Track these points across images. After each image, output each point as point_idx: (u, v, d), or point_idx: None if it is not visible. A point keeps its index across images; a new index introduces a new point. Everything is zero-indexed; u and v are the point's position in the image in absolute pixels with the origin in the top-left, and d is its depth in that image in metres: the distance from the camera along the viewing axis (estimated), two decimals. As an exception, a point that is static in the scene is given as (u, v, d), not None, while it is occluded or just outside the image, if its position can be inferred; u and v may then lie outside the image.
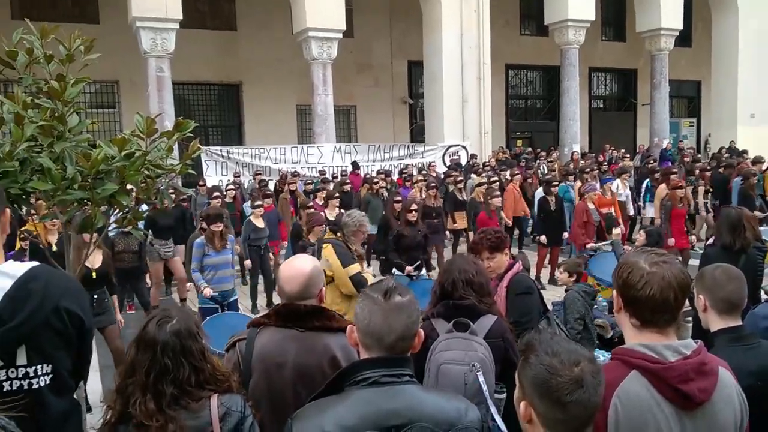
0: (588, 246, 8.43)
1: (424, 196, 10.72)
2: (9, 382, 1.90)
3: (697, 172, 12.58)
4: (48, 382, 1.95)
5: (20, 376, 1.91)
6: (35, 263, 1.98)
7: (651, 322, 1.68)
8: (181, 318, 2.05)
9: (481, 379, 2.61)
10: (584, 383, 1.39)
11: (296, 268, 2.38)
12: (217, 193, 9.68)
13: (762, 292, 4.61)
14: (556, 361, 1.41)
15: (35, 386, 1.93)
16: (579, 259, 5.44)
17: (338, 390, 1.70)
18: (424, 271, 7.40)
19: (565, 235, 9.92)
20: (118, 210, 3.63)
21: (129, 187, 3.45)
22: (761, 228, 8.12)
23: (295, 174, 13.13)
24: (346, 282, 4.95)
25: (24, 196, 3.28)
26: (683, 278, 1.67)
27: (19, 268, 1.91)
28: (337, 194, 9.91)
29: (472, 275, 2.99)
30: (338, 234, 5.25)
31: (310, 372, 2.27)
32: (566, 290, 5.22)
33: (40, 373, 1.93)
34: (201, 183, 12.29)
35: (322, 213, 9.09)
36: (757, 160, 13.31)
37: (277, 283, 2.42)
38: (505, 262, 3.74)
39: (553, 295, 7.75)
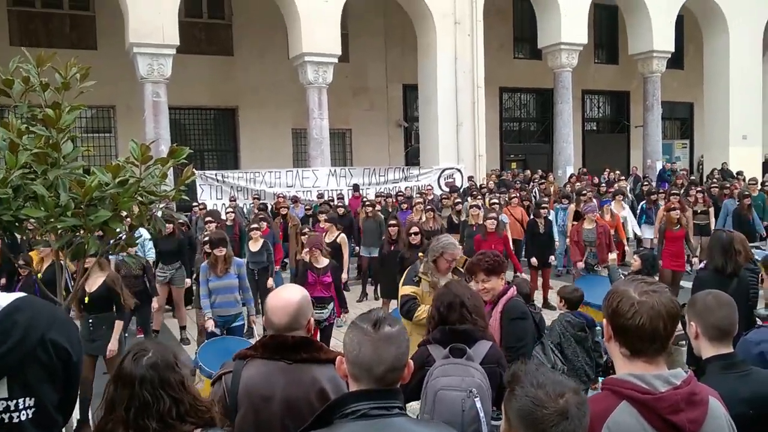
0: (578, 265, 8.45)
1: (423, 219, 10.73)
2: None
3: (692, 192, 12.61)
4: (30, 416, 1.90)
5: (1, 409, 1.86)
6: (22, 294, 1.96)
7: (641, 351, 1.68)
8: (156, 351, 2.00)
9: (479, 405, 2.60)
10: (569, 415, 1.39)
11: (284, 298, 2.34)
12: (209, 218, 9.57)
13: (756, 317, 4.60)
14: (541, 393, 1.41)
15: (16, 420, 1.87)
16: (576, 288, 5.40)
17: (327, 423, 1.68)
18: None
19: (552, 258, 9.97)
20: (110, 237, 3.63)
21: (123, 213, 3.46)
22: (754, 250, 8.16)
23: (296, 199, 13.14)
24: (399, 301, 4.79)
25: (17, 224, 3.28)
26: (673, 307, 1.67)
27: (4, 299, 1.89)
28: (333, 215, 9.95)
29: (467, 298, 3.01)
30: (421, 255, 4.99)
31: (298, 405, 2.23)
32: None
33: (21, 406, 1.88)
34: (201, 207, 12.25)
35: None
36: (752, 182, 13.38)
37: (264, 314, 2.38)
38: (501, 286, 3.74)
39: (548, 318, 7.72)
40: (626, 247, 10.09)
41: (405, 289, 4.66)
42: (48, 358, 1.90)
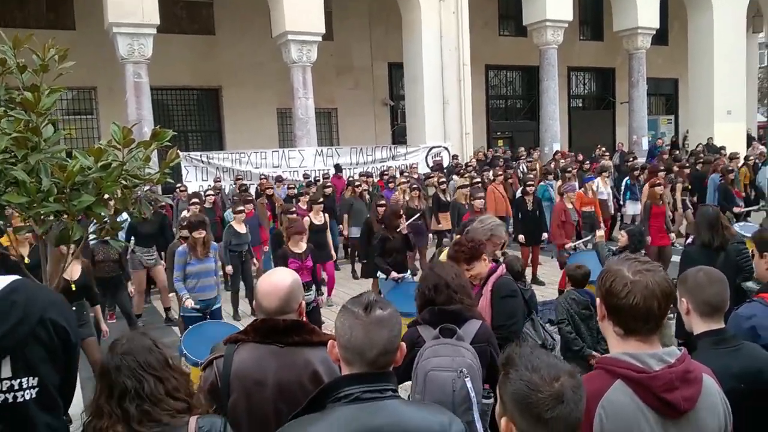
0: (567, 246, 8.48)
1: (407, 198, 10.72)
2: None
3: (676, 169, 12.72)
4: (34, 395, 1.93)
5: (4, 389, 1.89)
6: (16, 277, 1.99)
7: (634, 330, 1.68)
8: (131, 338, 2.02)
9: (469, 385, 2.61)
10: (564, 398, 1.38)
11: (274, 283, 2.32)
12: (195, 200, 9.49)
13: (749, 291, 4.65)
14: (536, 377, 1.39)
15: (20, 399, 1.91)
16: (580, 265, 5.37)
17: (320, 407, 1.67)
18: (408, 273, 7.39)
19: (545, 235, 9.99)
20: (95, 221, 3.57)
21: (106, 197, 3.40)
22: (739, 224, 8.27)
23: (280, 179, 13.04)
24: None
25: (-2, 210, 3.22)
26: (667, 286, 1.66)
27: (1, 281, 1.93)
28: (321, 199, 9.87)
29: (451, 278, 3.01)
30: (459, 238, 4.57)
31: (291, 388, 2.22)
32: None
33: (25, 386, 1.92)
34: (182, 188, 12.15)
35: (306, 217, 9.10)
36: (733, 156, 13.49)
37: (255, 298, 2.36)
38: (485, 267, 3.70)
39: (539, 295, 7.76)
40: (601, 225, 10.10)
41: None
42: (48, 337, 1.94)
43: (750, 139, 21.23)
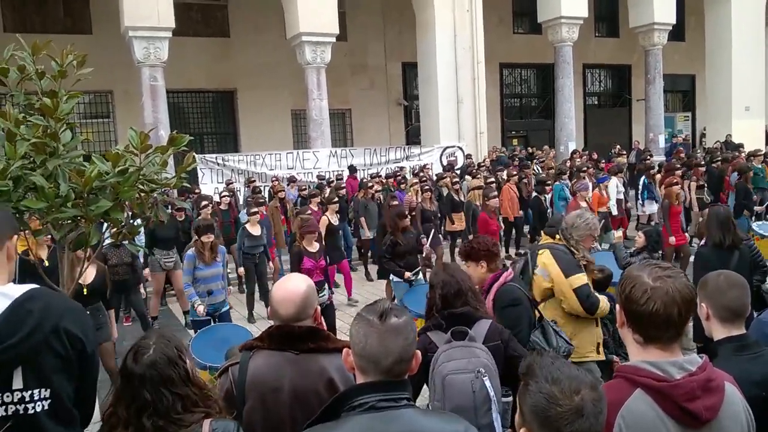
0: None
1: (420, 199, 10.69)
2: (4, 407, 1.85)
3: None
4: (46, 407, 1.90)
5: (15, 400, 1.86)
6: (34, 285, 1.96)
7: (654, 338, 1.64)
8: (158, 347, 1.96)
9: (488, 384, 2.60)
10: (585, 412, 1.36)
11: (289, 290, 2.29)
12: (205, 203, 9.45)
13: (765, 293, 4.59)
14: (556, 390, 1.37)
15: (31, 411, 1.87)
16: (603, 269, 5.26)
17: (335, 416, 1.66)
18: (421, 275, 7.36)
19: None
20: (113, 226, 3.60)
21: (125, 202, 3.42)
22: (758, 222, 8.16)
23: (293, 180, 13.07)
24: (569, 295, 3.93)
25: (17, 215, 3.25)
26: (688, 293, 1.63)
27: (18, 289, 1.90)
28: (336, 198, 9.89)
29: (467, 285, 3.05)
30: (557, 237, 4.29)
31: (306, 396, 2.21)
32: None
33: (36, 397, 1.88)
34: (196, 191, 12.23)
35: (325, 218, 9.13)
36: (754, 154, 13.28)
37: (270, 305, 2.34)
38: (479, 273, 3.64)
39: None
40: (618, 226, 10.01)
41: (581, 278, 3.96)
42: (62, 347, 1.90)
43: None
